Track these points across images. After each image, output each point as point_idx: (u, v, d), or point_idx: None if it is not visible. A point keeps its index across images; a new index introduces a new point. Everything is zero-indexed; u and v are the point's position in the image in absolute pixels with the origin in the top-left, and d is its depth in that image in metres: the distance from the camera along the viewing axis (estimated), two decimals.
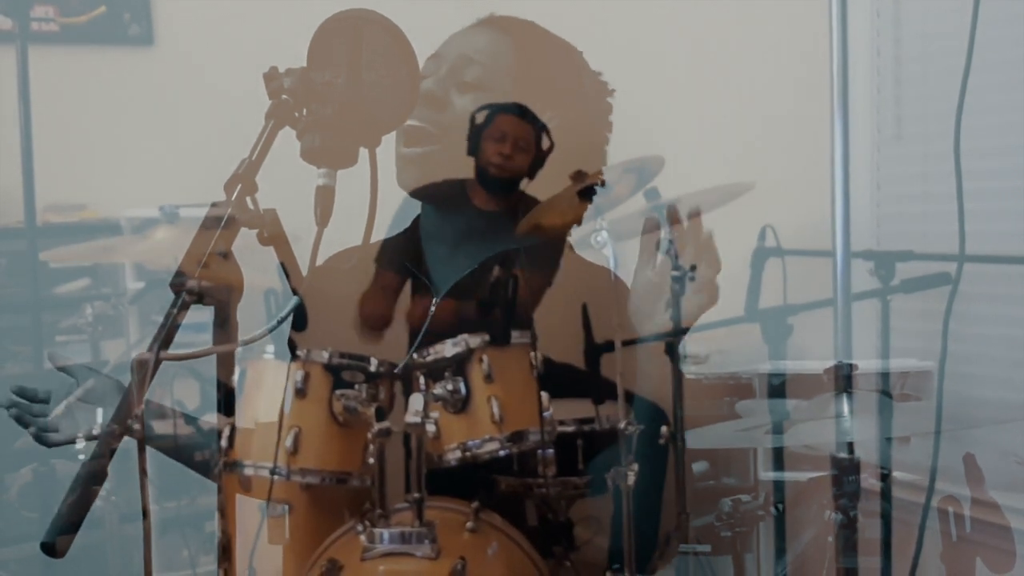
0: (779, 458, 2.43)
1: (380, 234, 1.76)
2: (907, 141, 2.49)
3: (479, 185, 2.75)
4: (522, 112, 2.72)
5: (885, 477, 2.21)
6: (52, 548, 1.11)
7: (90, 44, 2.96)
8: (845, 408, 1.74)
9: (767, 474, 2.54)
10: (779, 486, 2.42)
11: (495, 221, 2.69)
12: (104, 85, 2.92)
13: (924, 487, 2.34)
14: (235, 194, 1.27)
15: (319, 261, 1.42)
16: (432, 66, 3.18)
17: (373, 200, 1.54)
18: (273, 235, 1.33)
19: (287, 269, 1.38)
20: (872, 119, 2.53)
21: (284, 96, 1.34)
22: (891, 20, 2.48)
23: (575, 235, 2.44)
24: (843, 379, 1.74)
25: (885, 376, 2.27)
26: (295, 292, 1.44)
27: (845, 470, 1.56)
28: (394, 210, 3.07)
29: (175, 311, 1.26)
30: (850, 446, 1.56)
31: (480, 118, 2.71)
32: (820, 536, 2.27)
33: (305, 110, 1.36)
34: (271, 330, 1.97)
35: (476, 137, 2.72)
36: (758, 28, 2.75)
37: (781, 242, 2.34)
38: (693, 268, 2.27)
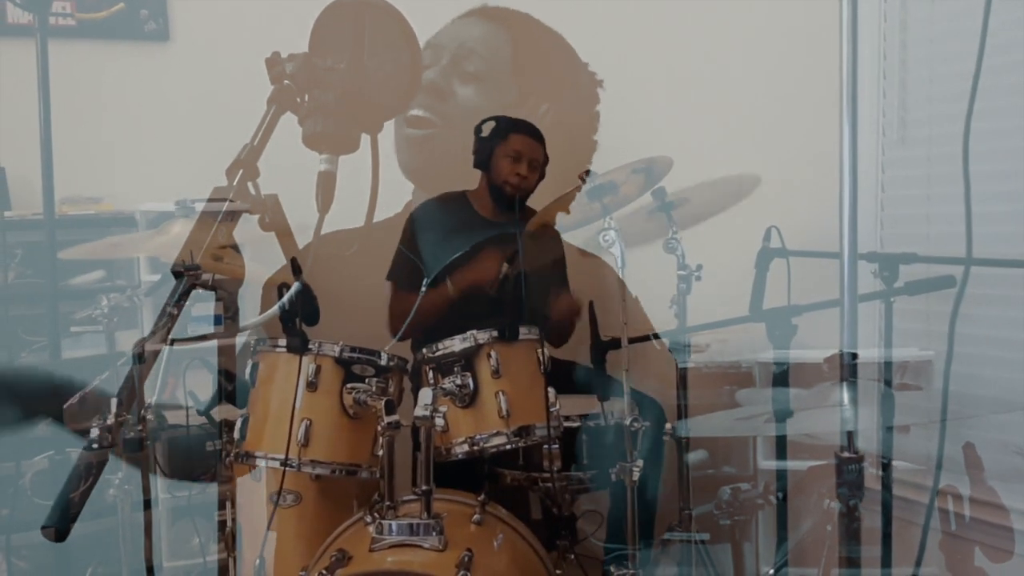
0: (779, 447, 2.44)
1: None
2: (911, 144, 2.51)
3: (489, 198, 2.81)
4: (533, 131, 2.78)
5: (885, 466, 2.22)
6: (63, 534, 1.12)
7: (107, 39, 2.98)
8: (845, 397, 1.75)
9: (766, 463, 2.56)
10: (779, 475, 2.43)
11: (495, 227, 2.73)
12: (121, 80, 2.94)
13: (924, 477, 2.35)
14: (237, 179, 1.27)
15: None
16: (431, 56, 3.24)
17: (375, 185, 1.54)
18: (275, 220, 1.33)
19: (287, 254, 1.39)
20: (877, 122, 2.54)
21: (286, 81, 1.35)
22: (897, 24, 2.49)
23: (585, 234, 2.47)
24: (844, 368, 1.75)
25: (886, 366, 2.28)
26: (297, 277, 1.44)
27: (846, 459, 1.57)
28: (395, 196, 3.12)
29: (181, 300, 1.26)
30: (850, 435, 1.57)
31: (487, 131, 2.77)
32: (819, 524, 2.29)
33: (307, 96, 1.37)
34: (280, 315, 1.97)
35: (487, 151, 2.78)
36: (765, 32, 2.76)
37: (786, 243, 2.36)
38: (699, 267, 2.31)
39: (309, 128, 1.37)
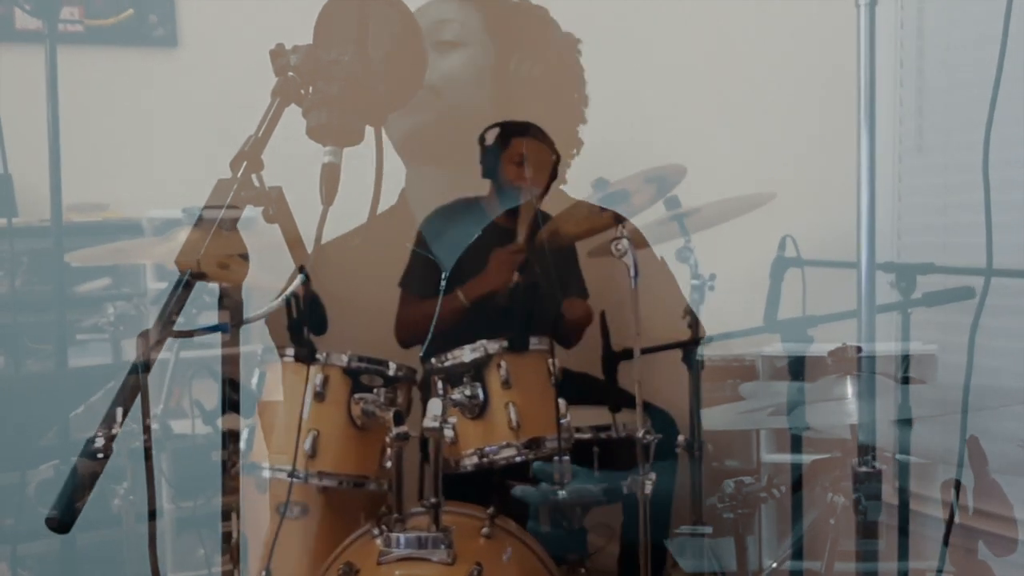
0: (782, 440, 2.41)
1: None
2: (929, 152, 2.48)
3: (500, 204, 2.81)
4: (537, 133, 2.78)
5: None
6: (67, 528, 1.10)
7: (116, 45, 2.97)
8: (849, 390, 1.73)
9: (770, 456, 2.53)
10: (783, 468, 2.40)
11: (508, 232, 2.73)
12: (128, 86, 2.94)
13: (926, 486, 2.32)
14: (241, 171, 1.25)
15: (324, 239, 1.39)
16: None
17: (378, 178, 1.52)
18: (279, 213, 1.30)
19: (291, 246, 1.36)
20: (894, 130, 2.51)
21: (290, 73, 1.32)
22: (914, 32, 2.47)
23: (596, 242, 2.45)
24: (848, 362, 1.72)
25: (890, 359, 2.25)
26: (300, 269, 1.41)
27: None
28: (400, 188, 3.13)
29: (182, 295, 1.22)
30: (853, 428, 1.55)
31: (491, 138, 2.79)
32: (822, 518, 2.26)
33: (311, 87, 1.34)
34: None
35: (492, 159, 2.79)
36: (781, 40, 2.74)
37: (801, 252, 2.34)
38: (712, 277, 2.28)
39: (313, 120, 1.34)
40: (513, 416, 2.16)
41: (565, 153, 3.10)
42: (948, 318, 2.32)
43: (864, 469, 1.55)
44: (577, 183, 2.57)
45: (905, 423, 2.05)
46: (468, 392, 2.18)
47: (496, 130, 2.76)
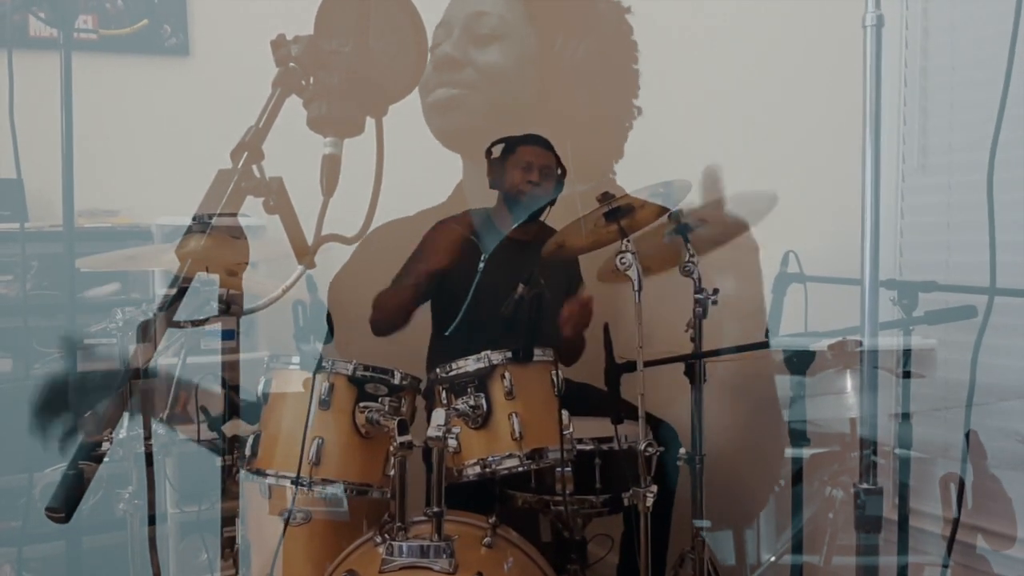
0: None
1: (389, 209, 1.68)
2: (932, 171, 2.48)
3: (508, 212, 2.82)
4: (541, 141, 2.81)
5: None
6: (66, 519, 1.10)
7: (129, 53, 3.00)
8: (848, 384, 1.73)
9: None
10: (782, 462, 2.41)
11: (521, 249, 2.73)
12: (141, 94, 2.96)
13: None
14: (241, 162, 1.25)
15: (326, 230, 1.39)
16: (442, 33, 3.27)
17: (379, 170, 1.52)
18: (279, 203, 1.30)
19: (291, 238, 1.36)
20: (897, 148, 2.52)
21: (291, 64, 1.32)
22: (918, 51, 2.47)
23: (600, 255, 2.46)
24: (848, 355, 1.72)
25: (889, 354, 2.24)
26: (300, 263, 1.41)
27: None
28: (403, 181, 3.13)
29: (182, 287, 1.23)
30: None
31: (497, 152, 2.81)
32: (821, 512, 2.27)
33: (312, 78, 1.33)
34: (273, 301, 1.95)
35: (499, 169, 2.80)
36: (789, 59, 2.75)
37: (804, 268, 2.34)
38: (715, 291, 2.30)
39: (314, 111, 1.33)
40: (516, 426, 2.17)
41: (623, 123, 3.07)
42: (950, 336, 2.33)
43: (865, 486, 1.55)
44: (612, 109, 2.49)
45: (905, 417, 2.05)
46: (472, 402, 2.20)
47: (502, 145, 2.80)
